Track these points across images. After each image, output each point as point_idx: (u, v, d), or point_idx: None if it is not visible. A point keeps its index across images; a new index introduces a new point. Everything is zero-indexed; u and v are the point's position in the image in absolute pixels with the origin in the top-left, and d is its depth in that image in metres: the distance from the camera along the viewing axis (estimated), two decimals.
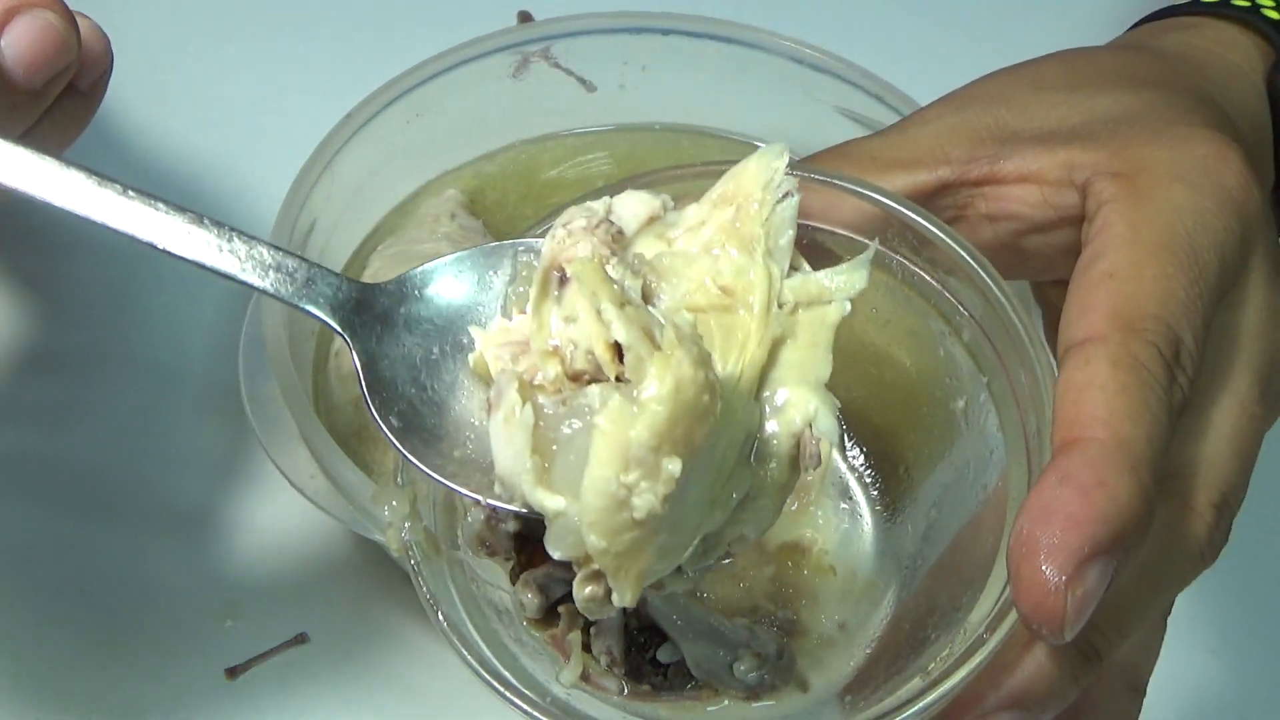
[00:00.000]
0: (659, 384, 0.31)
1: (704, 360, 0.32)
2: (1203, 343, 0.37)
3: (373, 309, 0.38)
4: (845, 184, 0.41)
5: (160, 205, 0.37)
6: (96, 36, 0.44)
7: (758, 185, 0.37)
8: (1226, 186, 0.39)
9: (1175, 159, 0.39)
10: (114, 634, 0.57)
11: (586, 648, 0.43)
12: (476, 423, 0.37)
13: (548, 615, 0.43)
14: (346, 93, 0.61)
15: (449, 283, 0.39)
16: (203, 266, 0.37)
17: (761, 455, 0.35)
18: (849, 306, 0.37)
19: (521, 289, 0.38)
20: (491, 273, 0.39)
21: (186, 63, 0.77)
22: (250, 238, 0.37)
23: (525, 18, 0.77)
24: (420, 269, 0.39)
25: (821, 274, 0.37)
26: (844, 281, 0.37)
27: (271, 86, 0.76)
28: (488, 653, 0.41)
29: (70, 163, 0.37)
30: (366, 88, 0.61)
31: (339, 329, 0.37)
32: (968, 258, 0.41)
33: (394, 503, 0.41)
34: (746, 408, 0.34)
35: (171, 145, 0.73)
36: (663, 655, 0.43)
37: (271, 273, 0.37)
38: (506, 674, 0.40)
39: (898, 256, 0.43)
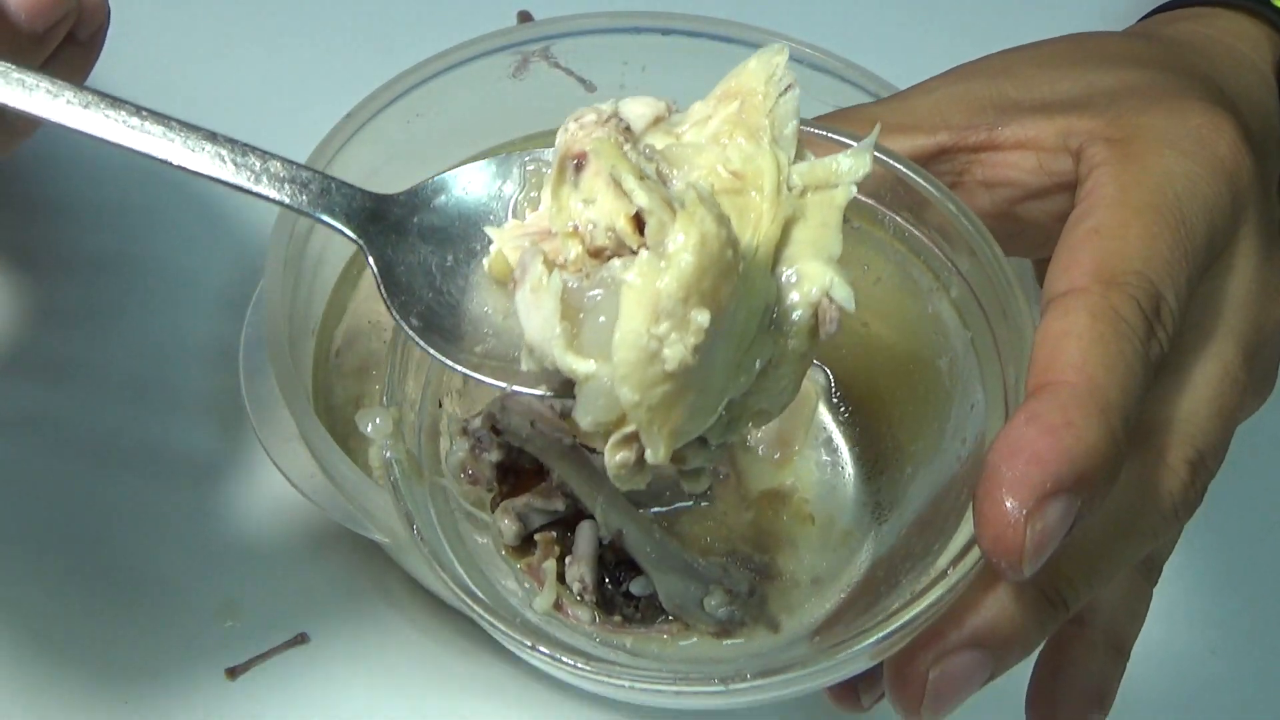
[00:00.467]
0: (685, 236, 0.32)
1: (725, 219, 0.33)
2: (1185, 302, 0.38)
3: (386, 219, 0.39)
4: (844, 139, 0.42)
5: (174, 124, 0.37)
6: None
7: (760, 80, 0.38)
8: (1219, 155, 0.39)
9: (1169, 126, 0.40)
10: (113, 634, 0.57)
11: (561, 577, 0.44)
12: (495, 319, 0.38)
13: (524, 544, 0.45)
14: (346, 93, 0.61)
15: (459, 193, 0.40)
16: (218, 180, 0.37)
17: (780, 325, 0.35)
18: (855, 190, 0.37)
19: (533, 194, 0.39)
20: (500, 182, 0.40)
21: (186, 63, 0.77)
22: (264, 153, 0.38)
23: (525, 18, 0.77)
24: (431, 180, 0.39)
25: (827, 159, 0.38)
26: (850, 165, 0.37)
27: (271, 86, 0.76)
28: (461, 571, 0.41)
29: (84, 88, 0.37)
30: (366, 88, 0.61)
31: (355, 237, 0.38)
32: (959, 214, 0.42)
33: (377, 420, 0.42)
34: (764, 280, 0.35)
35: None
36: (635, 588, 0.44)
37: (287, 185, 0.38)
38: (479, 592, 0.41)
39: (890, 213, 0.44)
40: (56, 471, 0.61)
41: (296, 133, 0.60)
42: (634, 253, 0.34)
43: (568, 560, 0.45)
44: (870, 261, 0.45)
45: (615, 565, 0.45)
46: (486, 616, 0.40)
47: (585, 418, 0.35)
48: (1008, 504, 0.34)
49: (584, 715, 0.57)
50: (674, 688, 0.39)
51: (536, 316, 0.35)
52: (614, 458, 0.35)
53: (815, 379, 0.49)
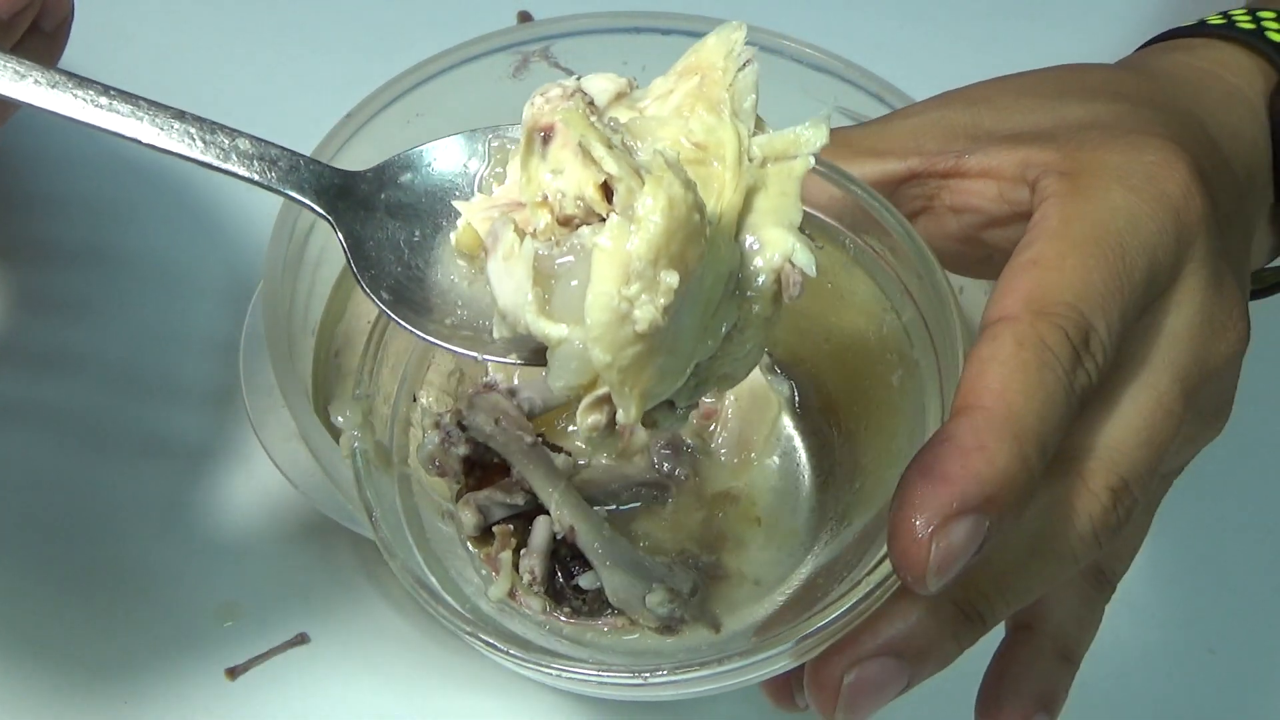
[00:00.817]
0: (654, 200, 0.33)
1: (691, 184, 0.34)
2: (1119, 336, 0.38)
3: (354, 194, 0.39)
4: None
5: (142, 102, 0.38)
6: None
7: (719, 55, 0.39)
8: (1167, 193, 0.40)
9: (1122, 162, 0.41)
10: (114, 634, 0.57)
11: (517, 568, 0.46)
12: (463, 291, 0.39)
13: (485, 535, 0.46)
14: (346, 93, 0.61)
15: (426, 169, 0.40)
16: (186, 158, 0.38)
17: (744, 291, 0.36)
18: (813, 160, 0.38)
19: (498, 170, 0.40)
20: (466, 159, 0.41)
21: (186, 63, 0.77)
22: (232, 130, 0.38)
23: (525, 18, 0.77)
24: (398, 156, 0.40)
25: (785, 131, 0.39)
26: (808, 136, 0.38)
27: (271, 86, 0.76)
28: (418, 558, 0.43)
29: (53, 69, 0.38)
30: (366, 88, 0.61)
31: (323, 212, 0.39)
32: (908, 238, 0.43)
33: (348, 412, 0.43)
34: (728, 247, 0.36)
35: None
36: (584, 581, 0.46)
37: (255, 161, 0.38)
38: (433, 581, 0.43)
39: (850, 234, 0.45)
40: (56, 472, 0.61)
41: (296, 133, 0.60)
42: (603, 220, 0.35)
43: (522, 552, 0.47)
44: (834, 279, 0.47)
45: (568, 560, 0.47)
46: (431, 603, 0.41)
47: (558, 381, 0.35)
48: (915, 521, 0.35)
49: (584, 714, 0.57)
50: (596, 677, 0.40)
51: (509, 283, 0.36)
52: (586, 420, 0.36)
53: (780, 389, 0.50)
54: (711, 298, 0.36)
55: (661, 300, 0.33)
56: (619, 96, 0.39)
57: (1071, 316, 0.38)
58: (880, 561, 0.39)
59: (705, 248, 0.34)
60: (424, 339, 0.39)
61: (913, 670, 0.39)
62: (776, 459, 0.50)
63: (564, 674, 0.40)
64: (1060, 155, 0.42)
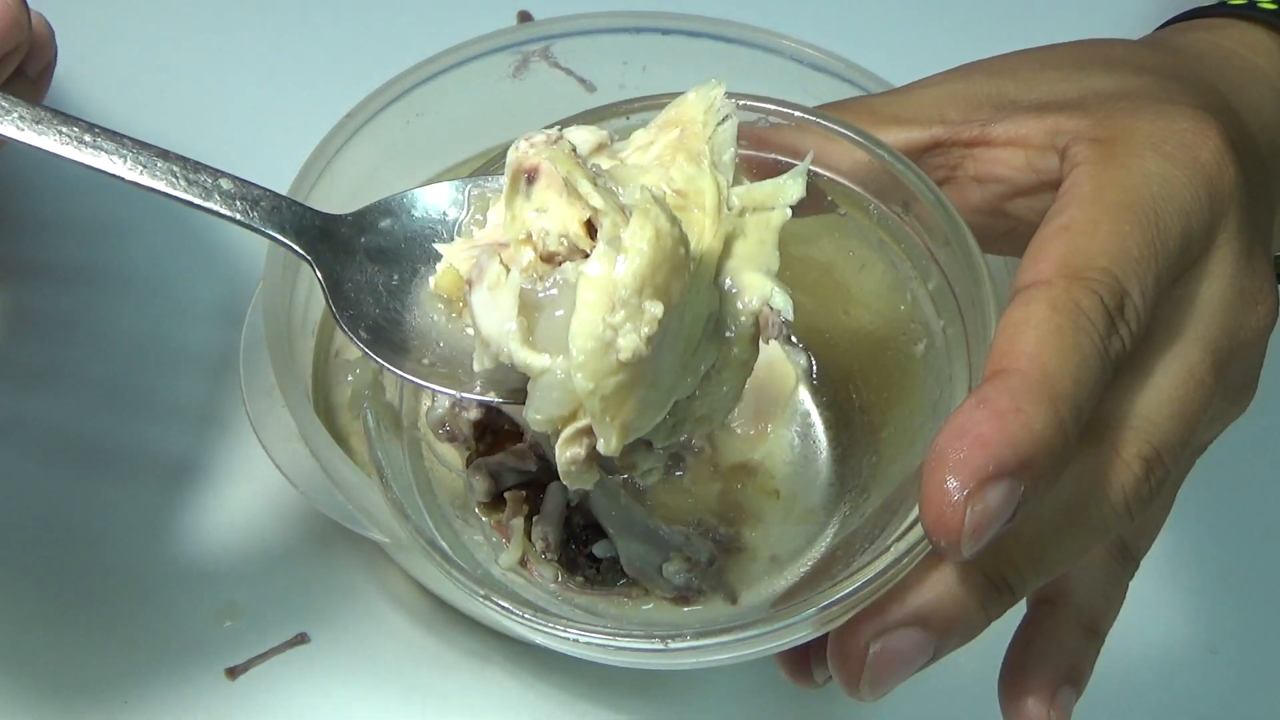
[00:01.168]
0: (641, 230, 0.33)
1: (676, 219, 0.34)
2: (1153, 302, 0.38)
3: (335, 237, 0.40)
4: (833, 126, 0.44)
5: (126, 141, 0.38)
6: (43, 24, 0.45)
7: (699, 110, 0.40)
8: (1201, 160, 0.40)
9: (1155, 130, 0.40)
10: (114, 634, 0.57)
11: (529, 536, 0.45)
12: (442, 333, 0.39)
13: (496, 501, 0.46)
14: (346, 93, 0.61)
15: (406, 216, 0.41)
16: (169, 196, 0.38)
17: (723, 333, 0.37)
18: (790, 213, 0.39)
19: (478, 217, 0.40)
20: (447, 207, 0.41)
21: (186, 62, 0.77)
22: (215, 170, 0.39)
23: (525, 18, 0.77)
24: (379, 202, 0.40)
25: (764, 183, 0.39)
26: (786, 188, 0.39)
27: (271, 86, 0.76)
28: (428, 521, 0.43)
29: (38, 105, 0.39)
30: (366, 88, 0.61)
31: (303, 253, 0.39)
32: (939, 205, 0.43)
33: (358, 370, 0.43)
34: (708, 289, 0.36)
35: (171, 144, 0.73)
36: (598, 550, 0.45)
37: (237, 201, 0.39)
38: (442, 543, 0.42)
39: (877, 201, 0.44)
40: (57, 471, 0.62)
41: (296, 133, 0.60)
42: (586, 256, 0.35)
43: (535, 519, 0.46)
44: (855, 249, 0.46)
45: (582, 528, 0.46)
46: (444, 565, 0.41)
47: (537, 414, 0.36)
48: (949, 484, 0.34)
49: (584, 714, 0.57)
50: (615, 642, 0.39)
51: (493, 313, 0.36)
52: (565, 454, 0.36)
53: (797, 361, 0.50)
54: (692, 336, 0.36)
55: (645, 330, 0.33)
56: (600, 147, 0.39)
57: (1106, 281, 0.37)
58: (907, 529, 0.38)
59: (688, 282, 0.35)
60: (401, 376, 0.39)
61: (939, 641, 0.38)
62: (794, 431, 0.49)
63: (581, 639, 0.39)
64: (1091, 122, 0.41)
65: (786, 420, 0.49)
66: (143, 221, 0.70)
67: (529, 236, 0.36)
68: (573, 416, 0.35)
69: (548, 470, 0.46)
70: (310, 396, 0.55)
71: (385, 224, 0.40)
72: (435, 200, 0.41)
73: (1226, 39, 0.49)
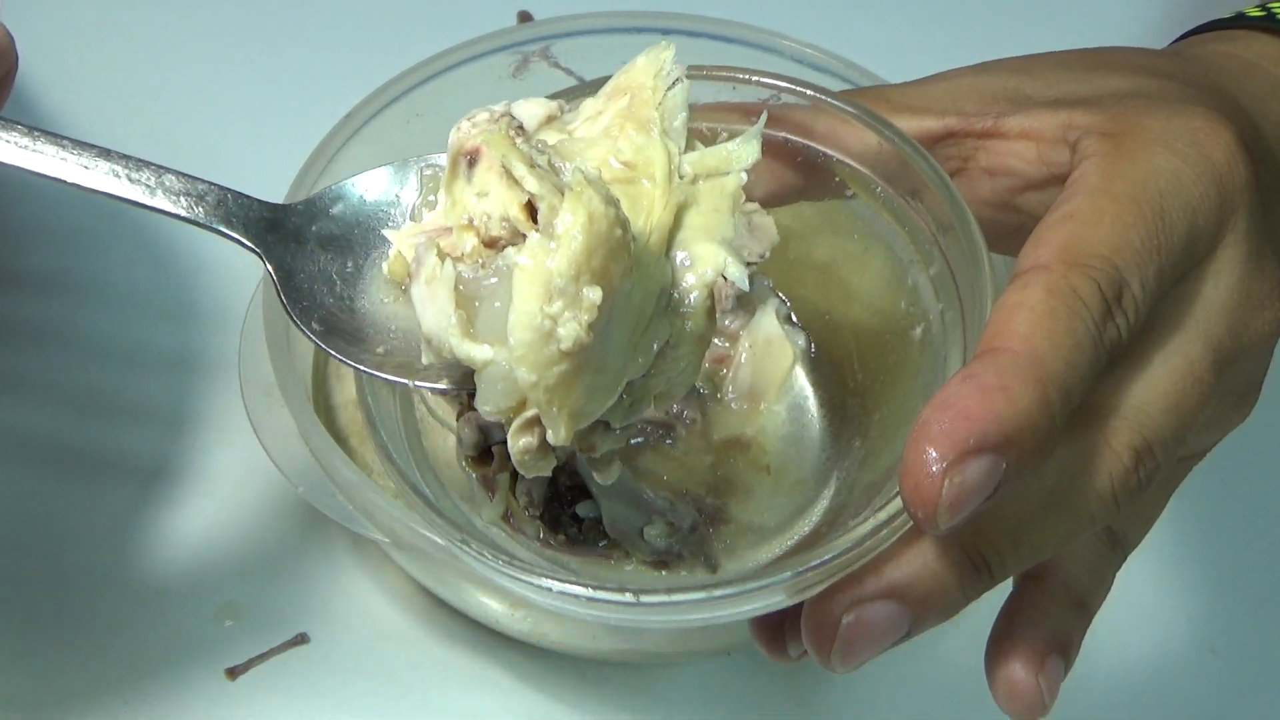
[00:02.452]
0: (573, 215, 0.33)
1: (612, 200, 0.34)
2: (1153, 295, 0.38)
3: (284, 228, 0.39)
4: (847, 108, 0.44)
5: (67, 143, 0.38)
6: (2, 32, 0.45)
7: (648, 75, 0.39)
8: (1211, 158, 0.40)
9: (1167, 127, 0.40)
10: (114, 634, 0.57)
11: (513, 491, 0.45)
12: (396, 320, 0.39)
13: (483, 456, 0.45)
14: (346, 93, 0.61)
15: (357, 201, 0.40)
16: (113, 196, 0.38)
17: (677, 308, 0.36)
18: (745, 176, 0.38)
19: (430, 198, 0.40)
20: (398, 189, 0.40)
21: (187, 62, 0.77)
22: (159, 167, 0.38)
23: (525, 18, 0.77)
24: (329, 188, 0.40)
25: (716, 147, 0.39)
26: (740, 152, 0.38)
27: (272, 86, 0.76)
28: (414, 469, 0.43)
29: None
30: (366, 88, 0.61)
31: (253, 246, 0.39)
32: (944, 189, 0.43)
33: None
34: (658, 264, 0.36)
35: (171, 144, 0.73)
36: (582, 510, 0.45)
37: (182, 198, 0.38)
38: (425, 490, 0.42)
39: (884, 184, 0.45)
40: (57, 471, 0.61)
41: (297, 132, 0.60)
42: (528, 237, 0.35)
43: (520, 475, 0.45)
44: (860, 231, 0.47)
45: (568, 488, 0.46)
46: (426, 511, 0.41)
47: (485, 404, 0.35)
48: (929, 454, 0.34)
49: (584, 714, 0.57)
50: (589, 593, 0.39)
51: (432, 307, 0.36)
52: (517, 443, 0.36)
53: (795, 341, 0.50)
54: (642, 315, 0.36)
55: (585, 317, 0.33)
56: (549, 120, 0.39)
57: (1106, 270, 0.37)
58: (889, 502, 0.38)
59: (631, 263, 0.34)
60: (355, 368, 0.39)
61: (915, 617, 0.38)
62: (788, 409, 0.50)
63: (556, 588, 0.39)
64: (1104, 118, 0.41)
65: (782, 399, 0.50)
66: (144, 223, 0.70)
67: (470, 222, 0.36)
68: (521, 406, 0.35)
69: None
70: (310, 396, 0.55)
71: (337, 209, 0.40)
72: (386, 182, 0.41)
73: (1247, 51, 0.49)
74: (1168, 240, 0.38)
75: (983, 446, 0.34)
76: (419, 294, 0.36)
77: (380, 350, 0.39)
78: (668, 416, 0.48)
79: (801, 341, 0.50)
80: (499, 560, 0.39)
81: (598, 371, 0.34)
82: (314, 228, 0.40)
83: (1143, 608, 0.61)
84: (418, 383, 0.38)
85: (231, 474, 0.62)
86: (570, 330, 0.33)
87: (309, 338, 0.38)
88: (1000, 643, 0.42)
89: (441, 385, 0.38)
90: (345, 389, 0.56)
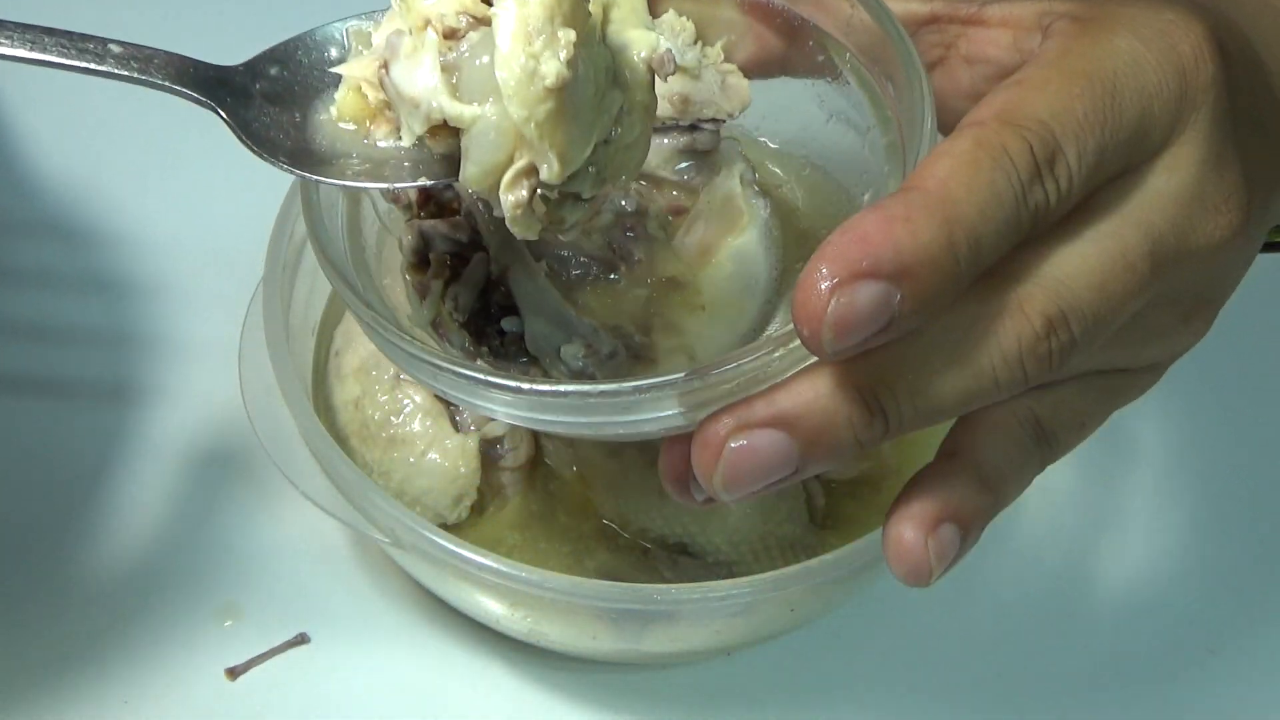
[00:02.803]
0: None
1: None
2: (1090, 170, 0.37)
3: (231, 84, 0.41)
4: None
5: (9, 24, 0.39)
6: None
7: None
8: (1177, 49, 0.39)
9: (1139, 15, 0.40)
10: (114, 633, 0.57)
11: (444, 298, 0.47)
12: (355, 155, 0.40)
13: (423, 264, 0.47)
14: None
15: (293, 63, 0.42)
16: (64, 66, 0.39)
17: (622, 84, 0.39)
18: None
19: (361, 49, 0.41)
20: (329, 50, 0.43)
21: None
22: (102, 38, 0.39)
23: None
24: (264, 53, 0.42)
25: None
26: None
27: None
28: (350, 265, 0.44)
29: None
30: None
31: (206, 99, 0.40)
32: (910, 59, 0.43)
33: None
34: (599, 47, 0.38)
35: (171, 142, 0.73)
36: (507, 325, 0.46)
37: (131, 61, 0.40)
38: (357, 283, 0.43)
39: (854, 53, 0.46)
40: (56, 470, 0.61)
41: None
42: (487, 23, 0.37)
43: (453, 285, 0.47)
44: (827, 98, 0.48)
45: (500, 307, 0.47)
46: (354, 301, 0.41)
47: (475, 165, 0.37)
48: (821, 271, 0.34)
49: (584, 714, 0.57)
50: (482, 376, 0.39)
51: (417, 75, 0.38)
52: (509, 199, 0.37)
53: (755, 205, 0.50)
54: (599, 84, 0.38)
55: (564, 53, 0.36)
56: None
57: (1040, 133, 0.36)
58: (786, 320, 0.38)
59: (589, 19, 0.37)
60: (331, 183, 0.40)
61: (802, 453, 0.37)
62: (734, 263, 0.50)
63: (456, 371, 0.40)
64: (1079, 5, 0.41)
65: (731, 257, 0.50)
66: (157, 209, 0.70)
67: (427, 22, 0.38)
68: (509, 160, 0.37)
69: (477, 246, 0.47)
70: (310, 396, 0.55)
71: (274, 71, 0.42)
72: (317, 45, 0.42)
73: None
74: (1115, 119, 0.37)
75: (876, 272, 0.34)
76: (399, 71, 0.38)
77: (350, 173, 0.40)
78: (613, 254, 0.48)
79: (764, 211, 0.50)
80: (430, 355, 0.40)
81: (575, 119, 0.37)
82: (258, 85, 0.41)
83: (1143, 608, 0.61)
84: (394, 185, 0.40)
85: (231, 474, 0.62)
86: (552, 66, 0.35)
87: (281, 167, 0.40)
88: (898, 506, 0.40)
89: (420, 181, 0.39)
90: (345, 389, 0.56)
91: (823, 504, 0.56)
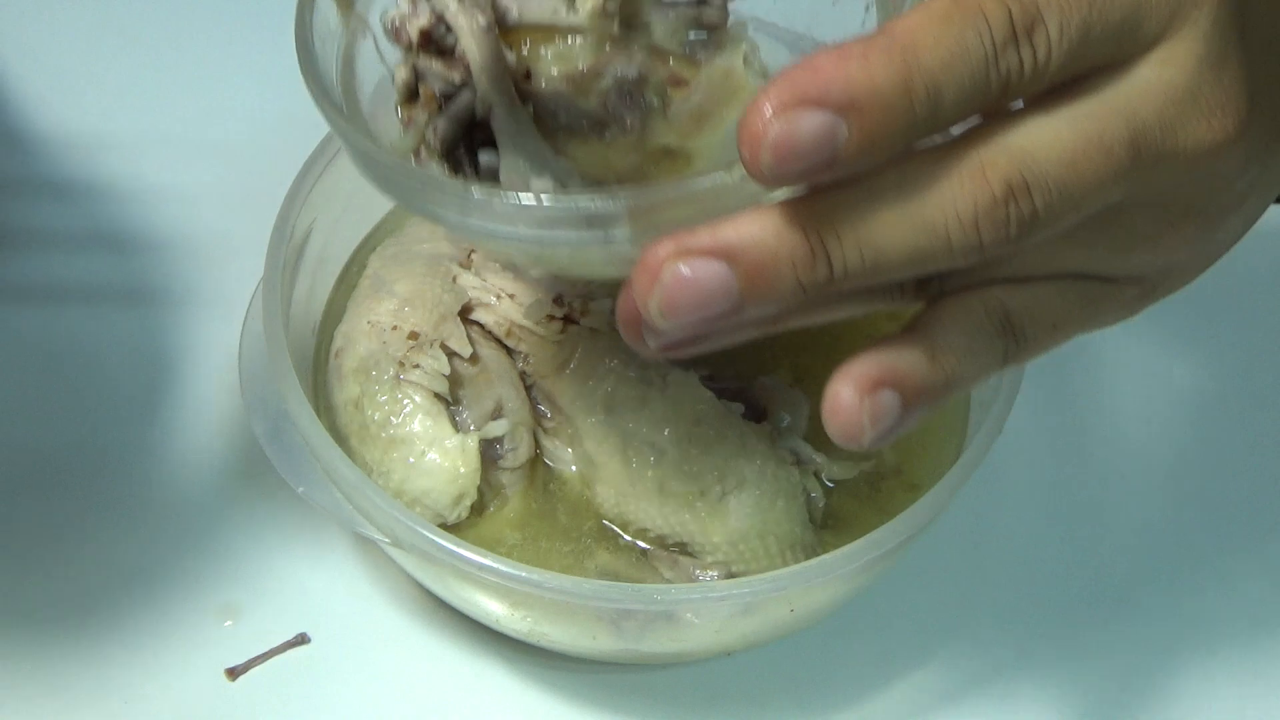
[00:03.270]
0: None
1: None
2: (1072, 46, 0.36)
3: None
4: None
5: None
6: None
7: None
8: None
9: None
10: (113, 633, 0.57)
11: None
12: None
13: (412, 98, 0.47)
14: None
15: None
16: None
17: None
18: None
19: None
20: None
21: (187, 61, 0.77)
22: None
23: None
24: None
25: None
26: None
27: (272, 85, 0.75)
28: (337, 88, 0.45)
29: None
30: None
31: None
32: None
33: None
34: None
35: (171, 143, 0.73)
36: (483, 158, 0.46)
37: None
38: (342, 100, 0.44)
39: None
40: (56, 470, 0.62)
41: (297, 133, 0.60)
42: None
43: (437, 118, 0.47)
44: None
45: (480, 143, 0.47)
46: (332, 115, 0.42)
47: None
48: (770, 93, 0.34)
49: (584, 714, 0.57)
50: (432, 177, 0.40)
51: None
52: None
53: (754, 84, 0.50)
54: None
55: None
56: None
57: (1022, 1, 0.36)
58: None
59: None
60: None
61: (743, 288, 0.36)
62: (729, 138, 0.49)
63: (427, 186, 0.40)
64: None
65: (726, 125, 0.49)
66: (163, 212, 0.70)
67: None
68: None
69: (470, 90, 0.47)
70: (310, 396, 0.55)
71: None
72: None
73: None
74: (1105, 1, 0.36)
75: (823, 100, 0.33)
76: None
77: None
78: (607, 114, 0.48)
79: (758, 84, 0.50)
80: (387, 159, 0.40)
81: None
82: None
83: (1143, 608, 0.61)
84: None
85: (231, 474, 0.62)
86: None
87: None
88: (843, 365, 0.39)
89: None
90: (345, 389, 0.56)
91: (823, 504, 0.56)
